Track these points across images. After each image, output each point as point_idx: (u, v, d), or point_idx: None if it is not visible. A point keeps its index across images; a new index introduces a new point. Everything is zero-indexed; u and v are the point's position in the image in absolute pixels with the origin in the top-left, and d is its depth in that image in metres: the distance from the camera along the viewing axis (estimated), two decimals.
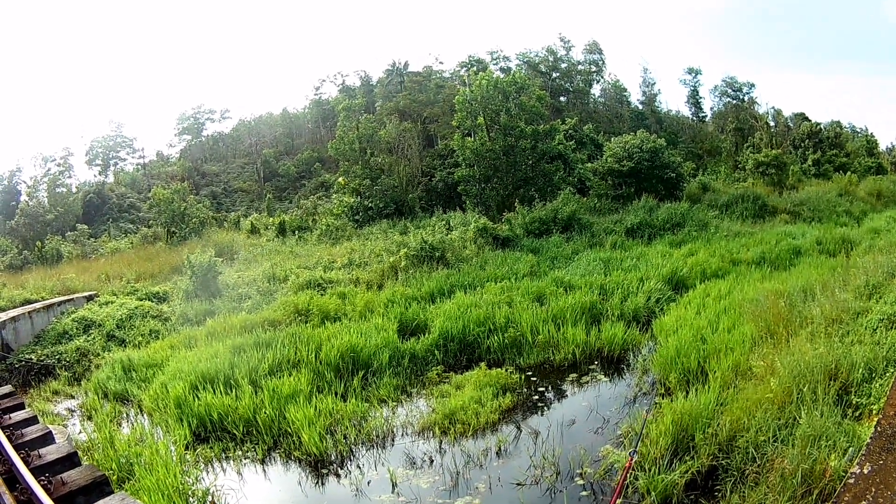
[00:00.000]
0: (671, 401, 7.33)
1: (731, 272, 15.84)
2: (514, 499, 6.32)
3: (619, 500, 5.63)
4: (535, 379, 10.10)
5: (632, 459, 5.90)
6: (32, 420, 7.44)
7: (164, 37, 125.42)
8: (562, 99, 60.14)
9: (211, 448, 8.09)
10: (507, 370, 10.21)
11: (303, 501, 6.89)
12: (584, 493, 6.26)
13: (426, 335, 12.02)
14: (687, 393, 7.42)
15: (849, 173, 37.17)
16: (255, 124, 75.15)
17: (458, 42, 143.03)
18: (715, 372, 7.97)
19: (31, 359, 13.54)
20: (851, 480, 4.09)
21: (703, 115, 68.48)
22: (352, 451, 7.86)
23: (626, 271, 16.27)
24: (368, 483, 7.01)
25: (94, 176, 67.30)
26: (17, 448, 6.09)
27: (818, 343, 7.21)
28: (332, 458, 7.72)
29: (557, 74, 61.54)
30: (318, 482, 7.26)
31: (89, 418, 9.90)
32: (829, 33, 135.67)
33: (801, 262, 16.26)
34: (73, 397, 11.67)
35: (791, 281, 12.24)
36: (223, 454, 8.00)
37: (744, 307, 10.73)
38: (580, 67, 64.02)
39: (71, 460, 6.03)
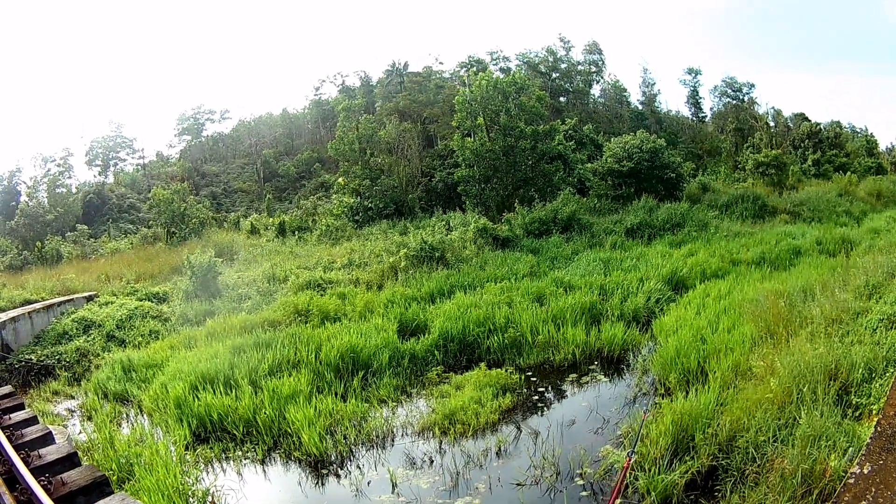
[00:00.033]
0: (671, 401, 7.33)
1: (730, 272, 15.84)
2: (514, 499, 6.32)
3: (618, 501, 5.62)
4: (534, 379, 10.10)
5: (630, 459, 5.90)
6: (32, 420, 7.44)
7: (164, 37, 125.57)
8: (562, 99, 60.13)
9: (211, 448, 8.09)
10: (506, 370, 10.20)
11: (303, 502, 6.89)
12: (584, 493, 6.27)
13: (426, 335, 12.02)
14: (687, 393, 7.42)
15: (849, 173, 37.18)
16: (254, 125, 75.17)
17: (458, 42, 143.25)
18: (715, 372, 7.97)
19: (31, 359, 13.53)
20: (851, 480, 4.09)
21: (703, 115, 68.50)
22: (352, 452, 7.86)
23: (626, 271, 16.27)
24: (368, 483, 7.01)
25: (94, 176, 67.43)
26: (17, 448, 6.09)
27: (818, 343, 7.21)
28: (332, 458, 7.71)
29: (557, 75, 61.54)
30: (318, 482, 7.26)
31: (89, 419, 9.91)
32: (829, 33, 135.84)
33: (800, 263, 16.26)
34: (72, 398, 11.67)
35: (791, 281, 12.24)
36: (223, 454, 8.00)
37: (744, 307, 10.73)
38: (580, 68, 64.03)
39: (71, 460, 6.04)
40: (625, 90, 67.53)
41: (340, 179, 36.95)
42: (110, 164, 70.06)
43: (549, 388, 9.76)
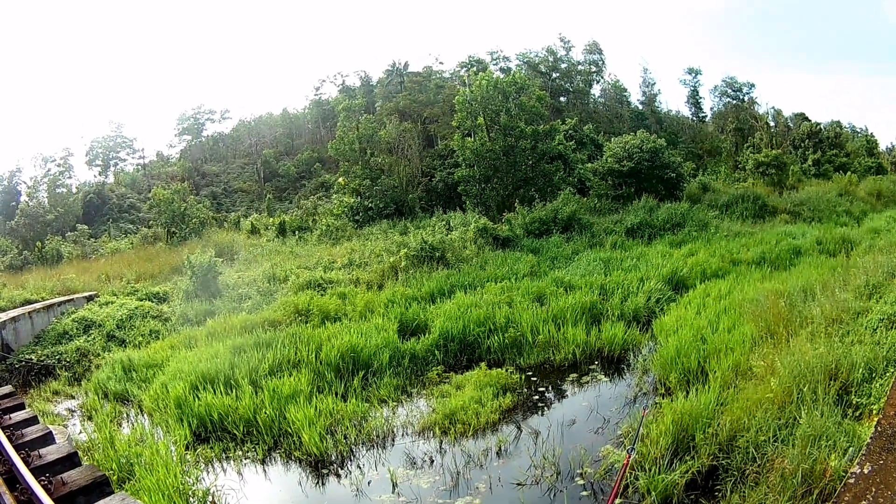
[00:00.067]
0: (671, 401, 7.33)
1: (731, 272, 15.84)
2: (515, 499, 6.32)
3: (618, 500, 5.62)
4: (535, 379, 10.10)
5: (630, 456, 5.90)
6: (33, 420, 7.44)
7: (164, 37, 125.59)
8: (562, 99, 60.13)
9: (211, 448, 8.09)
10: (507, 370, 10.21)
11: (303, 501, 6.89)
12: (584, 493, 6.27)
13: (426, 335, 12.02)
14: (687, 393, 7.42)
15: (849, 173, 37.19)
16: (255, 124, 75.17)
17: (458, 42, 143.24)
18: (715, 372, 7.97)
19: (32, 359, 13.54)
20: (852, 480, 4.09)
21: (703, 115, 68.51)
22: (352, 452, 7.86)
23: (627, 271, 16.27)
24: (369, 483, 7.01)
25: (94, 176, 67.42)
26: (17, 448, 6.09)
27: (818, 343, 7.21)
28: (333, 458, 7.72)
29: (557, 75, 61.53)
30: (318, 482, 7.26)
31: (89, 418, 9.91)
32: (829, 33, 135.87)
33: (801, 262, 16.26)
34: (73, 397, 11.67)
35: (791, 281, 12.24)
36: (223, 454, 8.00)
37: (744, 307, 10.73)
38: (580, 67, 64.02)
39: (71, 460, 6.04)
40: (625, 90, 67.62)
41: (341, 179, 36.95)
42: (110, 164, 70.08)
43: (550, 388, 9.76)
